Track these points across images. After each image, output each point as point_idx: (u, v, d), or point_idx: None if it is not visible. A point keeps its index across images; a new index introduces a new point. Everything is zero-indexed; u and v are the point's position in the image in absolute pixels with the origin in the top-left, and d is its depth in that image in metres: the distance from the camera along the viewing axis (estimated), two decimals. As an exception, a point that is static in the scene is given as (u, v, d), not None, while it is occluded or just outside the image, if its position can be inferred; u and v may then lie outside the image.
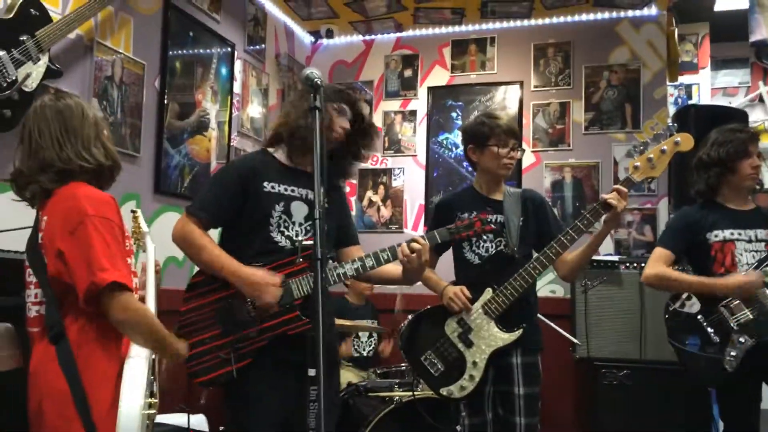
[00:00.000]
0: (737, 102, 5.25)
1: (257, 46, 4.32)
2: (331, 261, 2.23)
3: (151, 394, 1.64)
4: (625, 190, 2.39)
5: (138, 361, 1.63)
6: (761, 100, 5.27)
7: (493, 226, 2.33)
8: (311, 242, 1.72)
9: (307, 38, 5.01)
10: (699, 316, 2.63)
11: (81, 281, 1.60)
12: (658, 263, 2.75)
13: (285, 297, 2.08)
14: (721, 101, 5.24)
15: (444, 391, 2.56)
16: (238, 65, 4.07)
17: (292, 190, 2.22)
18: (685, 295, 2.68)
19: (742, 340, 2.52)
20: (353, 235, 2.45)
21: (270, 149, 2.29)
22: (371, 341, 4.13)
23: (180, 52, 3.58)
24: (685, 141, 2.42)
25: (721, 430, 3.72)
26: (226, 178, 2.24)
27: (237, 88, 4.07)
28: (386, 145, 4.86)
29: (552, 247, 2.48)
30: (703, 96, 5.17)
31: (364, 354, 4.06)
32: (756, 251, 2.64)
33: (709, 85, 5.27)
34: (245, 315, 2.09)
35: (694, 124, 3.69)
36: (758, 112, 5.21)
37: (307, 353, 2.15)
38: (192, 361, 2.08)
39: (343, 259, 2.30)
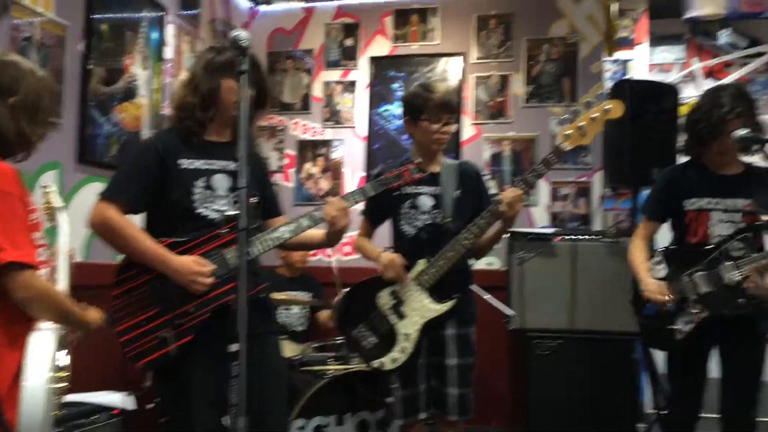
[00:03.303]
0: (671, 78, 5.33)
1: (191, 11, 4.17)
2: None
3: (60, 369, 1.57)
4: (518, 194, 2.38)
5: (44, 335, 1.56)
6: (694, 76, 5.38)
7: (422, 173, 2.33)
8: (236, 213, 1.67)
9: (245, 4, 4.86)
10: (663, 282, 2.65)
11: None
12: (637, 237, 2.81)
13: (220, 268, 2.04)
14: (657, 77, 5.32)
15: (376, 363, 2.55)
16: (170, 30, 3.92)
17: (211, 164, 2.15)
18: (655, 260, 2.70)
19: (695, 310, 2.55)
20: (278, 204, 2.41)
21: (178, 124, 2.18)
22: (304, 314, 4.07)
23: (106, 14, 3.42)
24: (615, 108, 2.42)
25: (647, 397, 3.86)
26: (141, 161, 2.15)
27: (169, 53, 3.92)
28: (326, 116, 4.78)
29: (483, 216, 2.48)
30: (640, 71, 5.22)
31: (298, 328, 4.01)
32: (732, 222, 2.60)
33: (646, 60, 5.33)
34: (181, 290, 2.02)
35: (629, 98, 3.73)
36: (690, 88, 5.31)
37: (254, 322, 2.14)
38: (131, 345, 2.02)
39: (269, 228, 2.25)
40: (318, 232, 2.28)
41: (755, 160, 2.64)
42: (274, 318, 2.34)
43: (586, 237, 3.81)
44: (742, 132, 2.51)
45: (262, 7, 4.88)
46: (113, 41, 3.47)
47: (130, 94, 3.60)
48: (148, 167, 2.10)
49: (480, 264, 4.31)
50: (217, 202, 2.12)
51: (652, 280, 2.64)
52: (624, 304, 3.59)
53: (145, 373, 2.73)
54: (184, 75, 2.26)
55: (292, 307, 4.00)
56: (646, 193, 4.38)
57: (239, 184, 1.64)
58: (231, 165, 2.13)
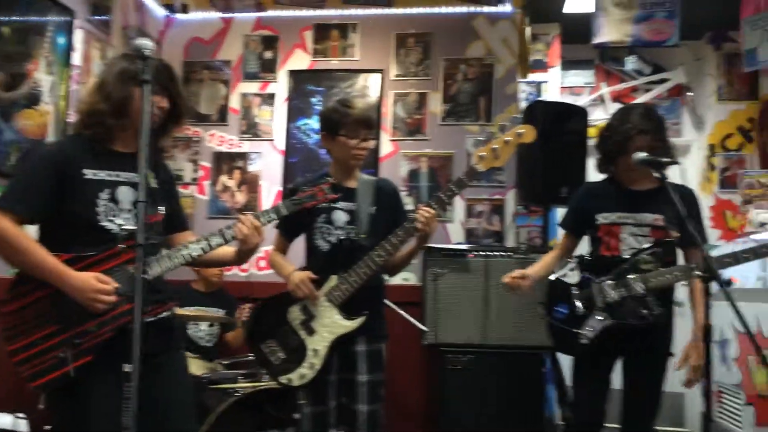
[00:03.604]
0: (581, 101, 5.56)
1: (102, 17, 4.03)
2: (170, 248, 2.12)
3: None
4: (432, 214, 2.42)
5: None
6: (603, 100, 5.62)
7: (336, 195, 2.33)
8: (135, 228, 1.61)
9: (161, 11, 4.74)
10: (573, 288, 2.72)
11: None
12: (556, 249, 2.96)
13: (124, 286, 1.94)
14: (569, 99, 5.52)
15: (283, 379, 2.52)
16: (78, 35, 3.78)
17: (117, 175, 2.06)
18: (569, 266, 2.77)
19: (600, 317, 2.63)
20: (184, 219, 2.35)
21: (85, 131, 2.08)
22: (212, 331, 3.97)
23: (10, 17, 3.26)
24: (528, 132, 2.49)
25: (555, 408, 3.97)
26: (40, 168, 2.02)
27: (77, 60, 3.77)
28: (243, 128, 4.71)
29: (397, 234, 2.49)
30: (552, 94, 5.43)
31: (209, 344, 3.91)
32: (641, 236, 2.68)
33: (558, 83, 5.54)
34: (81, 307, 1.92)
35: (541, 119, 3.86)
36: (599, 111, 5.55)
37: (156, 343, 2.06)
38: (25, 364, 1.90)
39: (174, 245, 2.18)
40: (229, 250, 2.24)
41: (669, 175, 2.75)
42: (181, 337, 2.26)
43: (499, 253, 3.89)
44: (642, 155, 2.63)
45: (179, 16, 4.78)
46: (16, 45, 3.31)
47: (33, 100, 3.44)
48: (48, 176, 1.99)
49: (396, 279, 4.33)
50: (121, 215, 2.05)
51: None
52: (534, 320, 3.70)
53: (40, 395, 2.58)
54: (92, 81, 2.16)
55: (201, 323, 3.91)
56: (557, 210, 4.55)
57: (139, 197, 1.57)
58: (137, 177, 2.06)
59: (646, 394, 2.71)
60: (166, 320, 2.09)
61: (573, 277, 2.76)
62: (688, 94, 5.55)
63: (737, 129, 5.41)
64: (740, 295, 3.83)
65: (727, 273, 4.27)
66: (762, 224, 4.51)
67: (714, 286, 2.25)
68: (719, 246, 5.08)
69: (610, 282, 2.64)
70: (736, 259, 2.51)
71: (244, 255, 2.22)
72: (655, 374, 2.71)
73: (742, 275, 4.32)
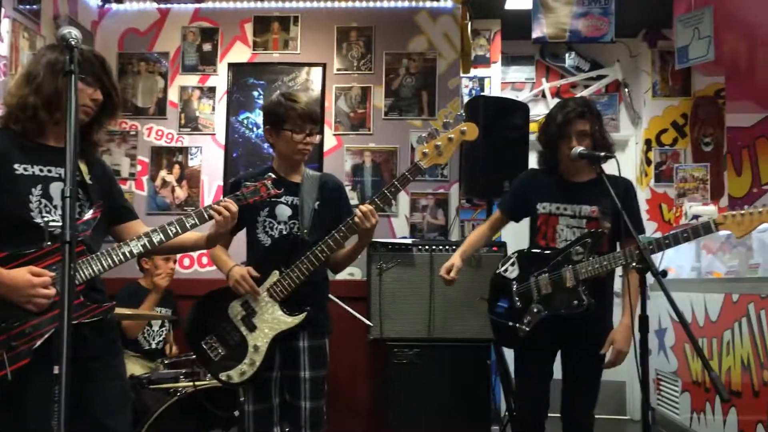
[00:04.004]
0: (523, 96, 5.63)
1: (31, 6, 3.86)
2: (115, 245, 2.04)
3: None
4: (371, 209, 2.41)
5: None
6: (543, 95, 5.71)
7: (279, 190, 2.31)
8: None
9: (94, 1, 4.58)
10: (513, 282, 2.79)
11: None
12: (485, 223, 3.07)
13: (60, 285, 1.86)
14: (510, 95, 5.60)
15: (223, 377, 2.47)
16: (5, 24, 3.60)
17: (49, 170, 1.99)
18: (510, 261, 2.82)
19: (536, 309, 2.71)
20: (129, 209, 2.27)
21: (14, 126, 1.99)
22: (162, 331, 3.89)
23: (-72, 2, 3.09)
24: (471, 130, 2.50)
25: (501, 400, 4.02)
26: None
27: (4, 50, 3.60)
28: (182, 122, 4.59)
29: (340, 230, 2.46)
30: (494, 89, 5.49)
31: (153, 345, 3.81)
32: (577, 227, 2.74)
33: (499, 78, 5.61)
34: (16, 308, 1.84)
35: (482, 114, 3.88)
36: (540, 106, 5.63)
37: (98, 343, 1.98)
38: None
39: (126, 236, 2.13)
40: (192, 236, 2.23)
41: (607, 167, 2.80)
42: (117, 337, 2.19)
43: (444, 247, 3.90)
44: (580, 149, 2.69)
45: (113, 6, 4.62)
46: (-64, 33, 3.14)
47: (-45, 91, 3.27)
48: None
49: (341, 274, 4.32)
50: (55, 211, 1.96)
51: (458, 259, 2.88)
52: (479, 312, 3.73)
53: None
54: (20, 72, 2.06)
55: (153, 324, 3.81)
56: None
57: (65, 192, 1.50)
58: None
59: (585, 383, 2.77)
60: (103, 322, 2.02)
61: (513, 272, 2.81)
62: (625, 90, 5.70)
63: (671, 124, 5.58)
64: (676, 285, 3.98)
65: (663, 264, 4.41)
66: (695, 216, 4.67)
67: (650, 277, 2.30)
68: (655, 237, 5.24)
69: (545, 275, 2.72)
70: (676, 239, 2.58)
71: (215, 239, 2.27)
72: (593, 364, 2.77)
73: (678, 266, 4.46)
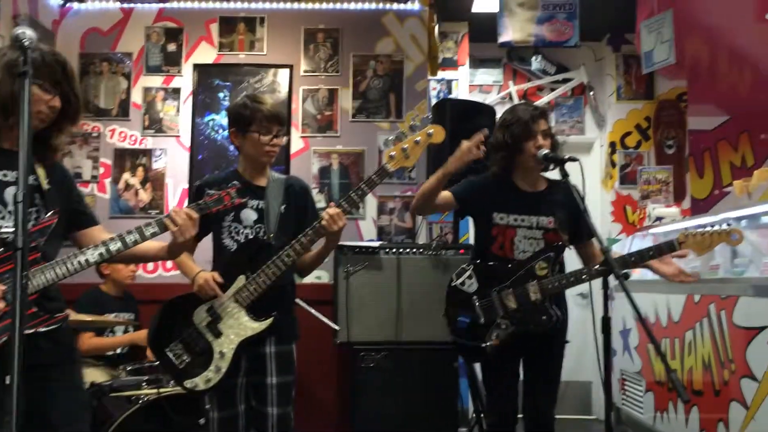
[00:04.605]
0: (490, 99, 5.67)
1: (-11, 4, 3.77)
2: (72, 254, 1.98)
3: None
4: (338, 212, 2.39)
5: None
6: (511, 98, 5.75)
7: (242, 199, 2.28)
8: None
9: (55, 0, 4.48)
10: (474, 297, 2.73)
11: None
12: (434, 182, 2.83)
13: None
14: (478, 97, 5.62)
15: (188, 384, 2.42)
16: (-39, 22, 3.52)
17: (4, 175, 1.93)
18: (466, 274, 2.76)
19: (503, 326, 2.67)
20: (89, 214, 2.21)
21: None
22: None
23: None
24: (438, 133, 2.49)
25: (468, 402, 4.03)
26: None
27: (-41, 49, 3.50)
28: (146, 123, 4.52)
29: (307, 234, 2.44)
30: (462, 91, 5.51)
31: (119, 351, 3.74)
32: (534, 239, 2.73)
33: (467, 81, 5.63)
34: None
35: (449, 117, 3.89)
36: (507, 109, 5.66)
37: (53, 353, 1.93)
38: None
39: (85, 243, 2.07)
40: (154, 245, 2.18)
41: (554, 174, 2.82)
42: (74, 346, 2.13)
43: (411, 250, 3.90)
44: (545, 151, 2.70)
45: (75, 5, 4.53)
46: None
47: None
48: None
49: (308, 278, 4.30)
50: (9, 217, 1.90)
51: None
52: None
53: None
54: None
55: (117, 330, 3.74)
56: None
57: (17, 197, 1.45)
58: (29, 178, 1.92)
59: (546, 383, 2.80)
60: (59, 330, 1.96)
61: (471, 285, 2.76)
62: (590, 93, 5.77)
63: (635, 127, 5.66)
64: (640, 286, 4.04)
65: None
66: (658, 218, 4.75)
67: (613, 279, 2.32)
68: (620, 239, 5.31)
69: (508, 290, 2.69)
70: (642, 256, 2.61)
71: (174, 249, 2.18)
72: (554, 364, 2.80)
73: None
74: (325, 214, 2.39)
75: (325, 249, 2.59)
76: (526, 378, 2.81)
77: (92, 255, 1.98)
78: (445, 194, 2.84)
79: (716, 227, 2.58)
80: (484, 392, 2.96)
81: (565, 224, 2.73)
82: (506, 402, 2.78)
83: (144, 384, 3.12)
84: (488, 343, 2.68)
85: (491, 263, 2.77)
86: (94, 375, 3.41)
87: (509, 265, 2.72)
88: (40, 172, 2.01)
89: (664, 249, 2.60)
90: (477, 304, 2.73)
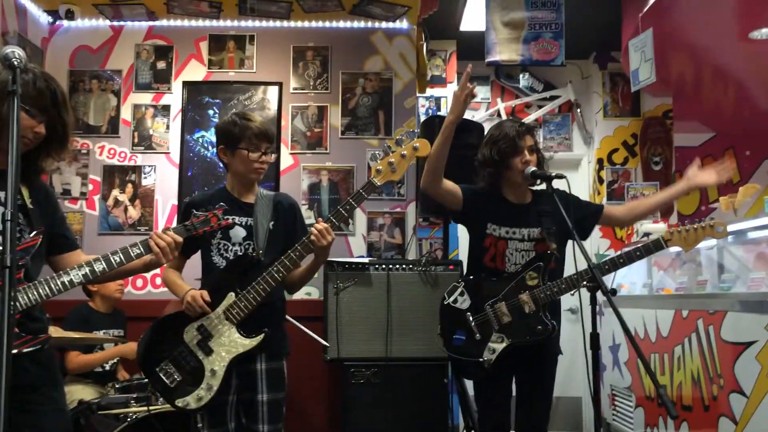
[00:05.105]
0: (479, 116, 5.72)
1: (-22, 21, 3.77)
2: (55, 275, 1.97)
3: None
4: (326, 227, 2.39)
5: None
6: (499, 115, 5.80)
7: (230, 220, 2.29)
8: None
9: (44, 17, 4.49)
10: (468, 313, 2.74)
11: None
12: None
13: None
14: (466, 114, 5.63)
15: (180, 403, 2.40)
16: (-50, 40, 3.52)
17: None
18: (458, 291, 2.77)
19: (499, 339, 2.68)
20: (70, 238, 2.19)
21: None
22: (118, 353, 3.79)
23: None
24: (423, 146, 2.51)
25: (459, 418, 4.02)
26: None
27: (-52, 66, 3.50)
28: (136, 140, 4.52)
29: (296, 249, 2.44)
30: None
31: (107, 368, 3.71)
32: (525, 251, 2.75)
33: (456, 98, 5.66)
34: None
35: (438, 133, 3.90)
36: (495, 126, 5.71)
37: (36, 374, 1.91)
38: None
39: (62, 268, 2.04)
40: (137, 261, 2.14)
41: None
42: (56, 368, 2.10)
43: (401, 266, 3.91)
44: (532, 168, 2.73)
45: (65, 23, 4.54)
46: None
47: None
48: None
49: (298, 294, 4.30)
50: None
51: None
52: (435, 331, 3.73)
53: None
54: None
55: (105, 347, 3.72)
56: (455, 225, 4.62)
57: (6, 215, 1.45)
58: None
59: (540, 399, 2.79)
60: (41, 352, 1.95)
61: (464, 302, 2.77)
62: (577, 110, 5.83)
63: (622, 144, 5.72)
64: (628, 302, 4.06)
65: (616, 281, 4.50)
66: (646, 234, 4.78)
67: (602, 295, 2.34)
68: (608, 255, 5.35)
69: (501, 303, 2.70)
70: (630, 257, 2.65)
71: (152, 266, 2.18)
72: (547, 379, 2.81)
73: (630, 282, 4.55)
74: (314, 229, 2.40)
75: (315, 264, 2.59)
76: (519, 393, 2.81)
77: (76, 275, 1.96)
78: (454, 185, 2.85)
79: (701, 222, 2.63)
80: (475, 408, 2.95)
81: (555, 234, 2.74)
82: (498, 418, 2.78)
83: (133, 401, 3.10)
84: (485, 359, 2.68)
85: (481, 277, 2.79)
86: (81, 392, 3.38)
87: (500, 278, 2.74)
88: (24, 191, 2.00)
89: (652, 248, 2.63)
90: (471, 320, 2.73)
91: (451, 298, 2.79)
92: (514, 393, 2.84)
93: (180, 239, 2.11)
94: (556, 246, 2.73)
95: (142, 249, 2.05)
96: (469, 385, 3.06)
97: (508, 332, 2.68)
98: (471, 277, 2.84)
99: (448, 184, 2.83)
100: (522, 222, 2.79)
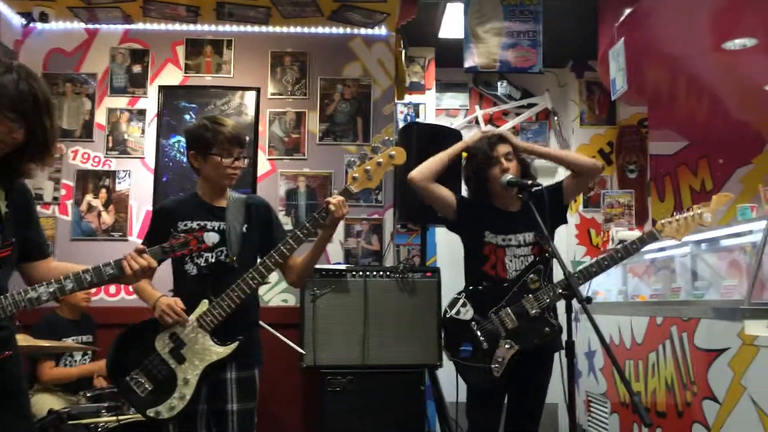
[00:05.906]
0: (457, 123, 5.73)
1: (-52, 22, 3.70)
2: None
3: None
4: (342, 199, 2.42)
5: None
6: (477, 122, 5.83)
7: (210, 244, 2.25)
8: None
9: (17, 19, 4.42)
10: (472, 323, 2.73)
11: None
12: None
13: None
14: (444, 121, 5.69)
15: (151, 413, 2.37)
16: None
17: None
18: (460, 303, 2.76)
19: (507, 345, 2.67)
20: (44, 244, 2.13)
21: None
22: (85, 360, 3.74)
23: None
24: (399, 155, 2.52)
25: (435, 425, 4.02)
26: None
27: None
28: (110, 145, 4.46)
29: (271, 256, 2.43)
30: (429, 115, 5.57)
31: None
32: (523, 256, 2.78)
33: (434, 105, 5.69)
34: None
35: (416, 140, 3.91)
36: (473, 133, 5.73)
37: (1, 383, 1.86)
38: None
39: (35, 276, 2.00)
40: None
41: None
42: (22, 376, 2.05)
43: (378, 273, 3.89)
44: (509, 176, 2.74)
45: (38, 25, 4.47)
46: None
47: None
48: None
49: (274, 301, 4.28)
50: None
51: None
52: (413, 338, 3.72)
53: None
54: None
55: (75, 355, 3.66)
56: (435, 229, 4.63)
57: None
58: None
59: (530, 404, 2.81)
60: (9, 360, 1.90)
61: (467, 313, 2.76)
62: (554, 118, 5.87)
63: (598, 152, 5.77)
64: (604, 308, 4.08)
65: (591, 287, 4.52)
66: (621, 241, 4.81)
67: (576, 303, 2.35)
68: (585, 262, 5.38)
69: (505, 310, 2.70)
70: (627, 250, 2.71)
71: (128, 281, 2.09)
72: (540, 384, 2.82)
73: (606, 289, 4.58)
74: (332, 199, 2.40)
75: (323, 242, 2.55)
76: (510, 398, 2.81)
77: (45, 293, 1.88)
78: (448, 191, 2.93)
79: (689, 212, 2.74)
80: (452, 416, 2.95)
81: (545, 236, 2.75)
82: (489, 425, 2.78)
83: (104, 411, 3.05)
84: (495, 366, 2.67)
85: (482, 286, 2.79)
86: (51, 402, 3.32)
87: (501, 285, 2.75)
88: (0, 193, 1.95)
89: (647, 240, 2.69)
90: (477, 330, 2.72)
91: (454, 311, 2.78)
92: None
93: (155, 264, 2.02)
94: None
95: (114, 269, 1.97)
96: (447, 392, 3.05)
97: (516, 337, 2.68)
98: (471, 287, 2.84)
99: (443, 188, 2.92)
100: (515, 228, 2.82)
